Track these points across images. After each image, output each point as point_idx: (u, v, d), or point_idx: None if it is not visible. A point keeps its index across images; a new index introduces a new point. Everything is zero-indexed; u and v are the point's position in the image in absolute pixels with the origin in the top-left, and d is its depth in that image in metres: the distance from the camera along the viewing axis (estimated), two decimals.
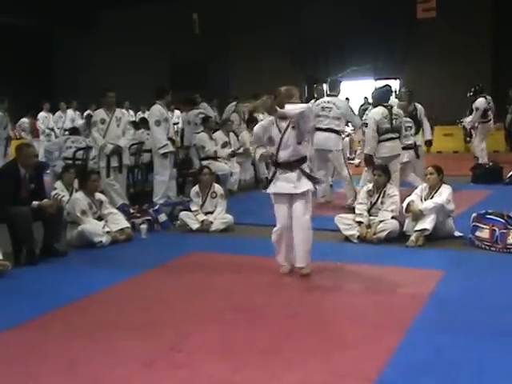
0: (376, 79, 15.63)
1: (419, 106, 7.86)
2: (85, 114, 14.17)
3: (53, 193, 5.81)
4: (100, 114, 7.03)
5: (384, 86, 7.00)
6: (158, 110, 7.38)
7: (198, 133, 8.89)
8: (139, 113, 13.87)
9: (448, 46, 14.56)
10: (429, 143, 8.16)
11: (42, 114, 13.65)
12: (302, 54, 16.84)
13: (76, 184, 6.06)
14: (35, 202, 4.96)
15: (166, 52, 17.51)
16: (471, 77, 13.57)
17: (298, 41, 16.73)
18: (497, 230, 4.89)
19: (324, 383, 2.72)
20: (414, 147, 7.54)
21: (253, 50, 16.82)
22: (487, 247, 4.93)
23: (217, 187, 6.32)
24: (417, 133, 7.72)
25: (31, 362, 3.02)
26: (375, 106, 6.71)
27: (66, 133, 11.62)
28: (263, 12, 16.60)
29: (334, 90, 7.43)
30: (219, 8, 16.87)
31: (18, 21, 16.28)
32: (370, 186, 5.66)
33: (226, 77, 17.16)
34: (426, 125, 7.97)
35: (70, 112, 14.52)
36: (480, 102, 9.86)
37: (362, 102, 13.81)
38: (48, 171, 8.28)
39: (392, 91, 7.19)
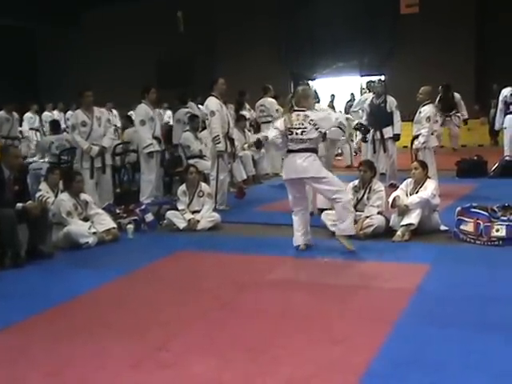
0: (362, 75, 15.70)
1: (390, 99, 7.73)
2: (67, 114, 13.97)
3: (37, 194, 5.76)
4: (79, 116, 6.81)
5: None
6: (143, 109, 7.34)
7: (185, 131, 8.87)
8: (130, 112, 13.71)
9: (432, 42, 14.67)
10: (397, 137, 7.94)
11: (28, 115, 13.16)
12: (288, 51, 16.87)
13: (61, 185, 6.01)
14: (19, 204, 4.91)
15: (152, 50, 17.41)
16: (456, 71, 13.69)
17: (284, 38, 16.76)
18: (481, 223, 4.93)
19: (312, 378, 2.72)
20: (382, 139, 7.57)
21: (239, 48, 16.80)
22: (472, 240, 4.97)
23: (204, 186, 6.31)
24: (387, 125, 7.69)
25: (17, 366, 2.99)
26: None
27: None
28: (249, 9, 16.59)
29: None
30: (205, 6, 16.83)
31: (2, 21, 16.06)
32: (356, 181, 5.68)
33: (212, 75, 17.10)
34: (397, 118, 7.76)
35: (51, 113, 14.24)
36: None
37: (349, 98, 13.90)
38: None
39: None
